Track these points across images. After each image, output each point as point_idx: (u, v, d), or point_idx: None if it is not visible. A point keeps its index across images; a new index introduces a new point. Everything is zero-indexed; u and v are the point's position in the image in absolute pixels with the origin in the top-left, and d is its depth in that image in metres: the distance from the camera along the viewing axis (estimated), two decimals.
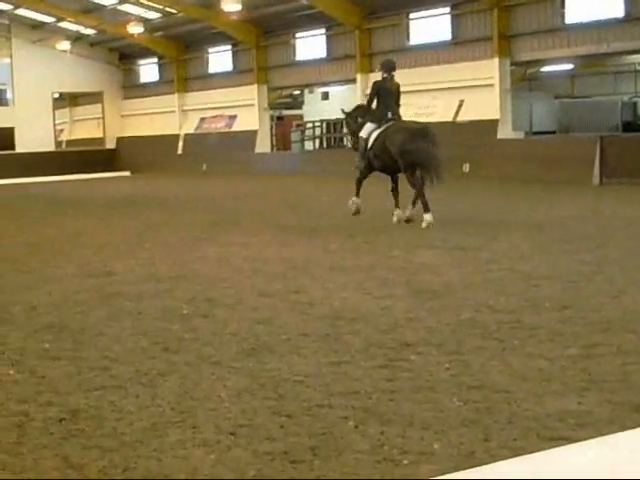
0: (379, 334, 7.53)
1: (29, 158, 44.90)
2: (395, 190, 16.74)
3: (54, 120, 47.84)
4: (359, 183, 17.17)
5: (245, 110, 40.46)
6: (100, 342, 7.58)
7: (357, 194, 17.27)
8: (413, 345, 7.11)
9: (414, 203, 16.12)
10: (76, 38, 45.70)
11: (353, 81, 35.20)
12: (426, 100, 31.59)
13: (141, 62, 47.85)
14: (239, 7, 34.33)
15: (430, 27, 32.23)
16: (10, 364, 6.94)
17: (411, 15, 33.05)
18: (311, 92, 43.97)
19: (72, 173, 41.53)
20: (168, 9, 39.29)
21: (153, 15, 40.75)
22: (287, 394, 5.89)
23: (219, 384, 6.18)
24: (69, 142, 51.47)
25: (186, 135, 43.94)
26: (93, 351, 7.28)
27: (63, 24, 44.82)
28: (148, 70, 47.67)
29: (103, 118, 49.14)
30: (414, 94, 31.81)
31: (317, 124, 43.91)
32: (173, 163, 43.14)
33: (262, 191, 27.77)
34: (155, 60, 46.47)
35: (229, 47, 41.57)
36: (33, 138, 45.74)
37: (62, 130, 52.22)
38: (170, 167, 42.53)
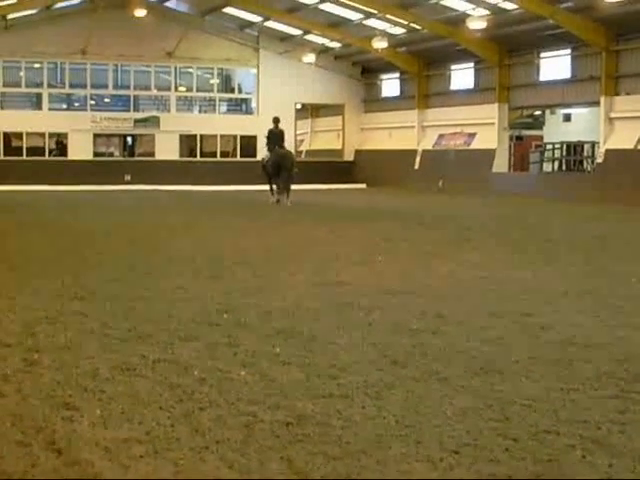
0: (612, 364, 7.31)
1: None
2: (278, 186, 29.15)
3: (295, 130, 48.94)
4: (270, 185, 30.04)
5: (484, 128, 40.18)
6: (330, 350, 7.68)
7: (271, 192, 29.66)
8: None
9: (282, 192, 28.89)
10: (321, 51, 46.65)
11: (596, 103, 34.40)
12: None
13: (383, 77, 48.30)
14: (484, 25, 34.25)
15: None
16: (242, 365, 7.12)
17: None
18: (553, 113, 43.29)
19: (310, 183, 42.38)
20: (413, 25, 39.53)
21: (397, 30, 41.12)
22: (514, 417, 5.80)
23: (445, 401, 6.15)
24: (309, 152, 52.55)
25: (424, 151, 44.01)
26: (322, 358, 7.38)
27: (309, 37, 45.98)
28: (389, 85, 48.09)
29: (343, 130, 49.88)
30: None
31: (557, 146, 43.14)
32: (409, 178, 43.30)
33: (498, 211, 27.54)
34: (397, 75, 46.82)
35: (472, 64, 41.44)
36: None
37: (302, 140, 53.32)
38: (406, 182, 42.73)
